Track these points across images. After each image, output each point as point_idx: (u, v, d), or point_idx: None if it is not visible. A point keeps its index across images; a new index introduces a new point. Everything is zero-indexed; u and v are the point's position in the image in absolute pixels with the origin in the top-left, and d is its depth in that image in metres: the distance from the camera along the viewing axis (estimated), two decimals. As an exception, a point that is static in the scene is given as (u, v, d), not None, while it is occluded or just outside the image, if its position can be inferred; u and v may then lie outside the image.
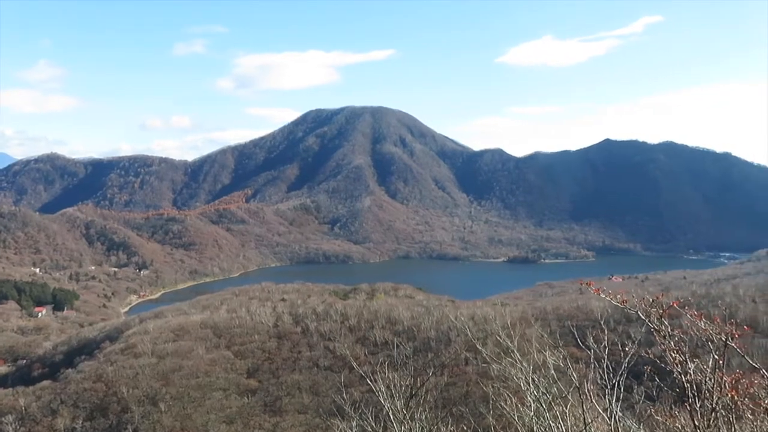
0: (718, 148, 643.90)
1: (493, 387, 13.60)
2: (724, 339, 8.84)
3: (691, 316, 9.22)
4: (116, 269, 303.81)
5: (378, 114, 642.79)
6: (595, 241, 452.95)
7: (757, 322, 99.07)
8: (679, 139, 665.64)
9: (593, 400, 9.99)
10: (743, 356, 8.88)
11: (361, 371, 15.17)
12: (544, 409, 10.65)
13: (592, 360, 10.07)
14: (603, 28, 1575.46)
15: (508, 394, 12.01)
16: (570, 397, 10.63)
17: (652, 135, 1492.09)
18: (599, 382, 10.18)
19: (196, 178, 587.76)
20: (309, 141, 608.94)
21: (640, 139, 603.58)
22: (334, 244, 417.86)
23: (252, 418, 77.35)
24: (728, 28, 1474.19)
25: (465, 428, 13.14)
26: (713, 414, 8.57)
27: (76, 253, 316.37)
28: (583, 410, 9.91)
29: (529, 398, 11.02)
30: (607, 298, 10.00)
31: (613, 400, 9.50)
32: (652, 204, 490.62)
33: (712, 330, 9.02)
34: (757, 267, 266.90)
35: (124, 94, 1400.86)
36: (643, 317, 9.54)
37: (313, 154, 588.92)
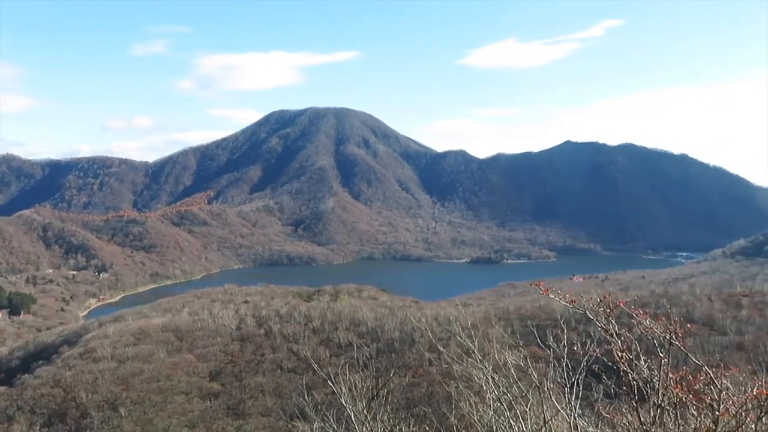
0: (676, 150, 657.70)
1: (455, 387, 13.71)
2: (668, 337, 9.08)
3: (636, 315, 9.44)
4: (75, 272, 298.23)
5: (341, 115, 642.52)
6: (556, 242, 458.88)
7: (713, 320, 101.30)
8: (638, 141, 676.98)
9: (553, 399, 10.13)
10: (687, 354, 9.12)
11: (322, 373, 15.16)
12: (504, 408, 10.78)
13: (551, 359, 10.23)
14: (564, 31, 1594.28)
15: (469, 394, 12.12)
16: (530, 396, 10.77)
17: (612, 137, 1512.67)
18: (558, 380, 10.33)
19: (157, 180, 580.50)
20: (272, 142, 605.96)
21: (600, 141, 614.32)
22: (298, 246, 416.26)
23: (215, 421, 76.59)
24: (685, 34, 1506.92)
25: (427, 428, 13.21)
26: (659, 410, 8.78)
27: (33, 256, 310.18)
28: (543, 409, 10.05)
29: (490, 397, 11.14)
30: (556, 299, 10.19)
31: (572, 398, 9.65)
32: (611, 205, 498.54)
33: (657, 329, 9.26)
34: (713, 266, 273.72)
35: (84, 95, 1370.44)
36: (592, 317, 9.75)
37: (276, 155, 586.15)
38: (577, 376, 9.97)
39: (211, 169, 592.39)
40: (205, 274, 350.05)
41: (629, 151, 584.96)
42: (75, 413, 79.27)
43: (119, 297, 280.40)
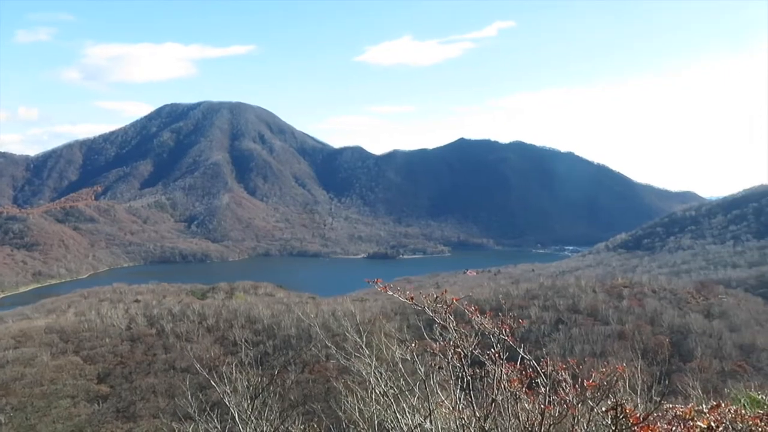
0: (563, 148, 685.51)
1: (342, 383, 13.88)
2: (499, 333, 9.54)
3: (468, 311, 9.84)
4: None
5: (236, 110, 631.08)
6: (451, 237, 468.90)
7: (597, 311, 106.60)
8: (528, 139, 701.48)
9: (438, 391, 10.42)
10: (517, 348, 9.59)
11: (204, 373, 15.01)
12: (391, 402, 11.00)
13: (437, 352, 10.52)
14: (459, 31, 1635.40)
15: (356, 389, 12.30)
16: (416, 390, 11.04)
17: (504, 135, 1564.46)
18: (444, 373, 10.62)
19: (40, 175, 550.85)
20: (164, 136, 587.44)
21: (493, 139, 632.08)
22: (191, 243, 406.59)
23: (103, 425, 74.00)
24: (572, 37, 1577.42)
25: (315, 425, 13.30)
26: (493, 404, 9.20)
27: None
28: (429, 402, 10.33)
29: (376, 392, 11.35)
30: (396, 296, 10.54)
31: (458, 391, 9.97)
32: (503, 201, 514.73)
33: (488, 324, 9.69)
34: (597, 259, 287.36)
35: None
36: (431, 313, 10.13)
37: (169, 149, 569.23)
38: (463, 369, 10.28)
39: (98, 163, 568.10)
40: (93, 272, 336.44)
41: (520, 148, 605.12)
42: (-52, 422, 74.62)
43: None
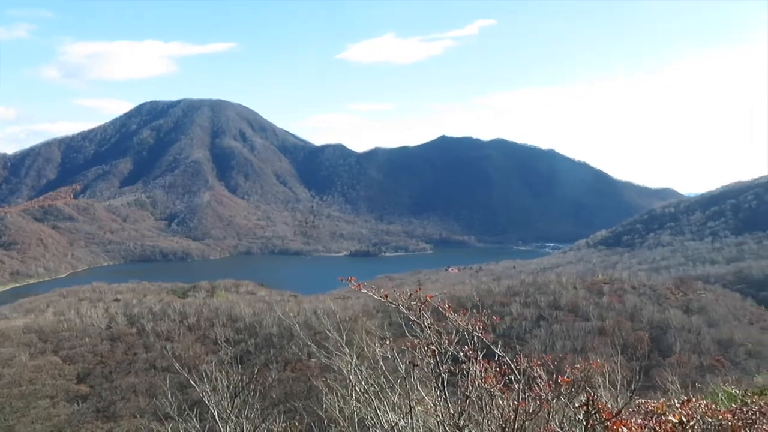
0: (544, 146, 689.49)
1: (323, 381, 13.94)
2: (472, 330, 9.63)
3: (442, 308, 9.92)
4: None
5: (217, 107, 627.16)
6: (432, 234, 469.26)
7: (577, 307, 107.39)
8: (510, 137, 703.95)
9: (419, 388, 10.49)
10: (491, 344, 9.70)
11: (184, 372, 15.03)
12: (372, 399, 11.07)
13: (417, 350, 10.56)
14: (441, 29, 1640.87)
15: (336, 387, 12.36)
16: (397, 387, 11.10)
17: (486, 132, 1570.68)
18: (425, 370, 10.67)
19: (17, 173, 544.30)
20: (144, 134, 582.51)
21: (474, 136, 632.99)
22: (172, 241, 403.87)
23: (83, 425, 73.47)
24: (553, 36, 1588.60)
25: (297, 423, 13.35)
26: (467, 401, 9.29)
27: None
28: (409, 399, 10.40)
29: (358, 390, 11.41)
30: (369, 293, 10.61)
31: (437, 386, 10.05)
32: (485, 198, 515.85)
33: (461, 322, 9.77)
34: (578, 256, 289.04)
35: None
36: (405, 311, 10.19)
37: (149, 147, 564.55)
38: (441, 365, 10.34)
39: (77, 161, 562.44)
40: (72, 272, 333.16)
41: (501, 146, 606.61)
42: (-75, 424, 73.75)
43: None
